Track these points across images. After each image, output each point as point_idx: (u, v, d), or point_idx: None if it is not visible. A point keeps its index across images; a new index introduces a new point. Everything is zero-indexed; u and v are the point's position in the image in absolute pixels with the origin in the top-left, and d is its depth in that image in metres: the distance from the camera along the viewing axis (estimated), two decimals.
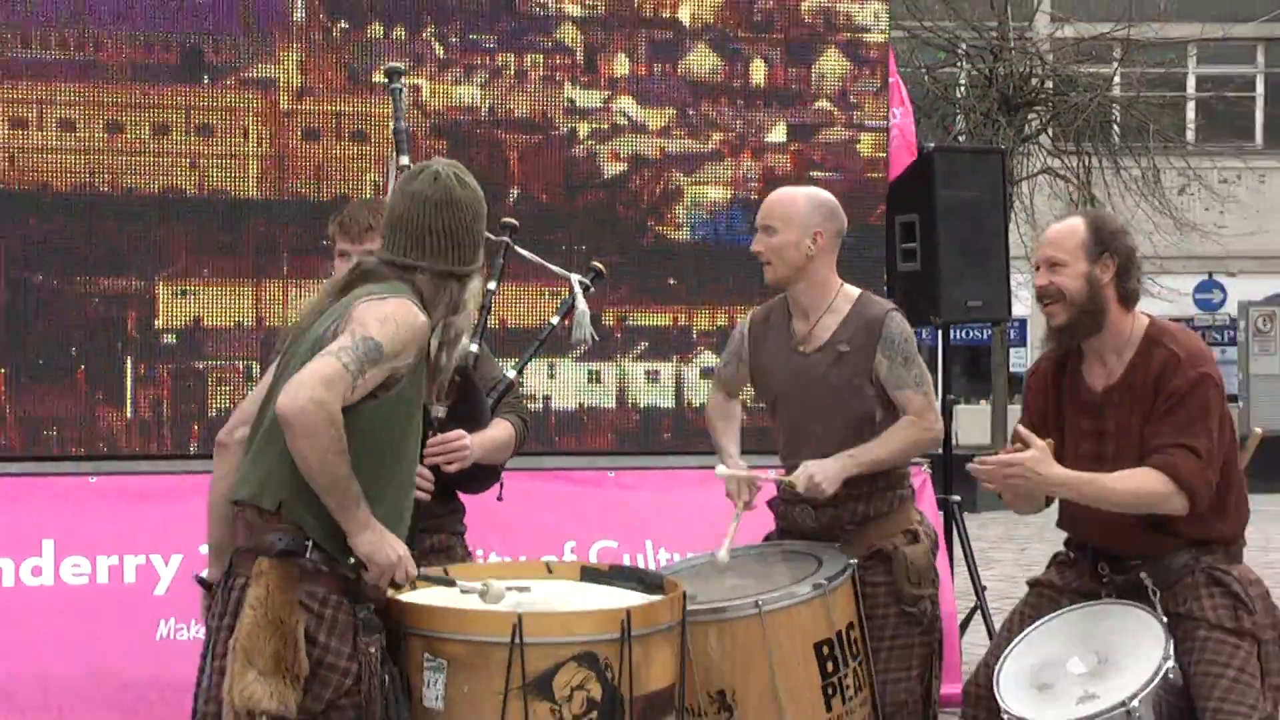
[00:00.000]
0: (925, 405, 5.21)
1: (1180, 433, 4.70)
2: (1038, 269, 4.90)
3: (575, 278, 5.37)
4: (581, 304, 5.13)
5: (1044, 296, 4.84)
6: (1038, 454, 4.66)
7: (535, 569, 4.75)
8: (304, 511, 3.92)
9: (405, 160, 5.36)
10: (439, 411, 4.90)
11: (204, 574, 4.35)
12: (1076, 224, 4.90)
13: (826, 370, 5.21)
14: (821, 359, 5.23)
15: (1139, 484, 4.68)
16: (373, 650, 3.92)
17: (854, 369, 5.18)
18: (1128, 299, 4.86)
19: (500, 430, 5.24)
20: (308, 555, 3.91)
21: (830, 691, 4.91)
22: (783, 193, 5.41)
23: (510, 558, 7.29)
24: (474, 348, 5.10)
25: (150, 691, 6.89)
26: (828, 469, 5.04)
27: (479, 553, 6.92)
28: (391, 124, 5.57)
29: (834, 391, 5.18)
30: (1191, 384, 4.73)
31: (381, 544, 3.91)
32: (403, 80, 5.62)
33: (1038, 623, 4.88)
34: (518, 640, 3.95)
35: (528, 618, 4.02)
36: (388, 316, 3.95)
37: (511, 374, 5.44)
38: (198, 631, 6.78)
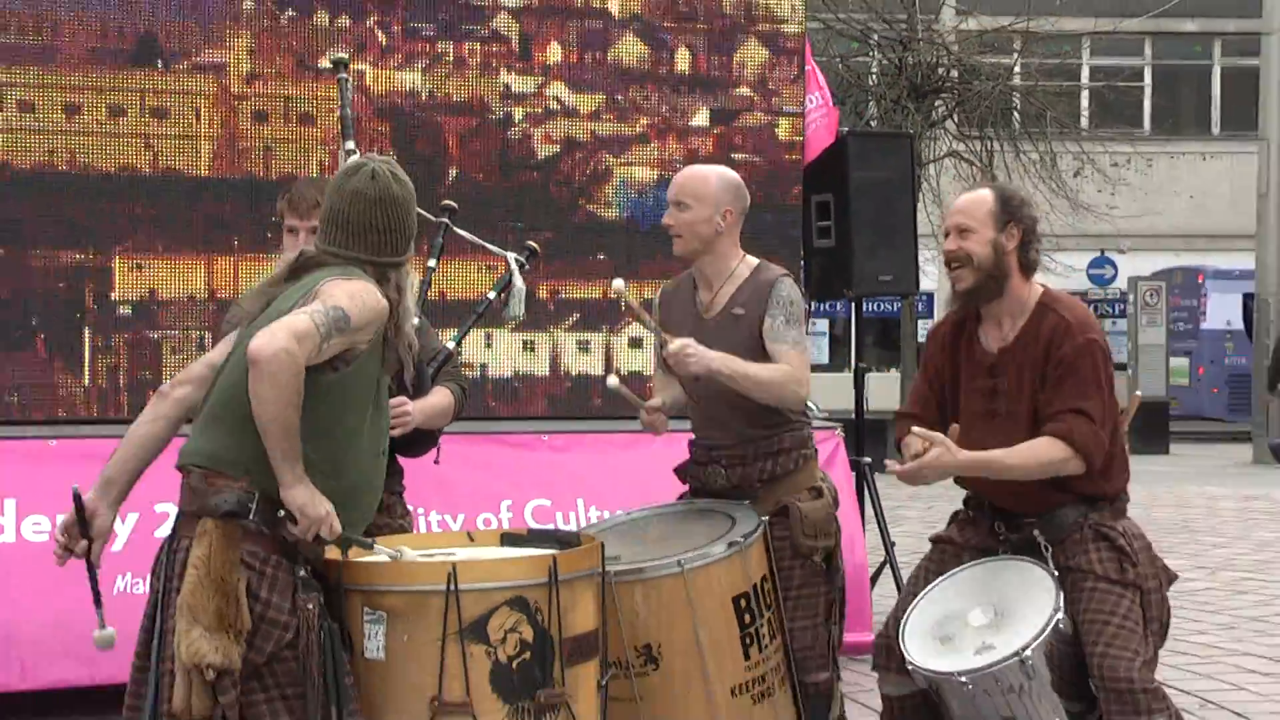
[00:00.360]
0: (800, 364, 5.18)
1: (1073, 398, 4.72)
2: (947, 235, 4.91)
3: (511, 256, 5.34)
4: (519, 281, 5.10)
5: (952, 260, 4.86)
6: (942, 450, 4.66)
7: (458, 539, 4.75)
8: (266, 478, 3.90)
9: (351, 145, 5.33)
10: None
11: (87, 495, 4.26)
12: (985, 194, 4.92)
13: (725, 332, 5.20)
14: (721, 323, 5.23)
15: (1039, 454, 4.70)
16: (310, 607, 3.91)
17: (749, 330, 5.18)
18: (1028, 267, 4.88)
19: (440, 398, 5.24)
20: (250, 517, 3.88)
21: (748, 641, 4.92)
22: (695, 171, 5.40)
23: (450, 515, 7.31)
24: (415, 320, 5.07)
25: None
26: (704, 353, 5.00)
27: (420, 511, 6.91)
28: (338, 110, 5.53)
29: (731, 351, 5.17)
30: (1079, 350, 4.76)
31: (313, 498, 3.89)
32: (347, 69, 5.58)
33: (940, 579, 4.90)
34: (453, 588, 3.95)
35: (461, 566, 4.03)
36: (355, 293, 3.95)
37: (451, 345, 5.43)
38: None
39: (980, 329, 4.96)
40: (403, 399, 4.99)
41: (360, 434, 4.08)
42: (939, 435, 4.70)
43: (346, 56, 5.81)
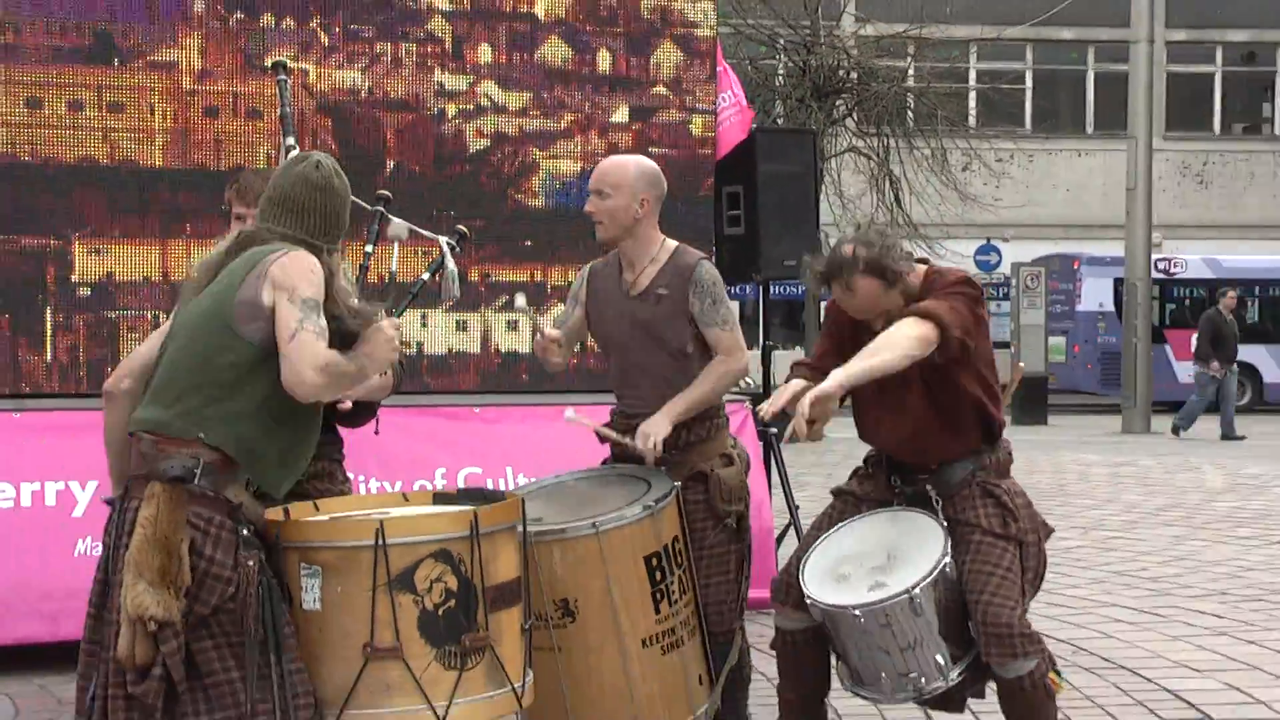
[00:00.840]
0: (733, 342, 5.19)
1: (939, 303, 4.65)
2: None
3: (443, 240, 5.29)
4: (450, 264, 5.05)
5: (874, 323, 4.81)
6: (813, 387, 4.59)
7: (394, 499, 4.73)
8: (222, 441, 3.94)
9: (291, 141, 5.28)
10: None
11: (110, 497, 4.28)
12: (869, 285, 4.74)
13: (649, 311, 5.20)
14: (645, 302, 5.22)
15: (900, 333, 4.58)
16: (251, 563, 3.91)
17: (671, 309, 5.17)
18: (909, 263, 4.82)
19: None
20: (196, 481, 3.87)
21: (659, 597, 4.92)
22: (614, 161, 5.38)
23: (389, 482, 7.28)
24: (354, 301, 5.02)
25: (69, 601, 6.75)
26: (658, 425, 5.05)
27: (360, 479, 6.88)
28: (278, 110, 5.49)
29: (656, 328, 5.18)
30: (950, 283, 4.76)
31: (376, 353, 4.08)
32: (287, 71, 5.53)
33: (840, 525, 4.92)
34: (381, 542, 3.95)
35: (388, 522, 4.03)
36: (305, 270, 3.99)
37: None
38: None
39: None
40: None
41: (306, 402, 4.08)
42: (801, 382, 4.69)
43: (286, 60, 5.75)
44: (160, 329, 4.25)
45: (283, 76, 5.44)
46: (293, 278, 3.96)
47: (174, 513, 3.85)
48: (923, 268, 4.90)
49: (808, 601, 4.71)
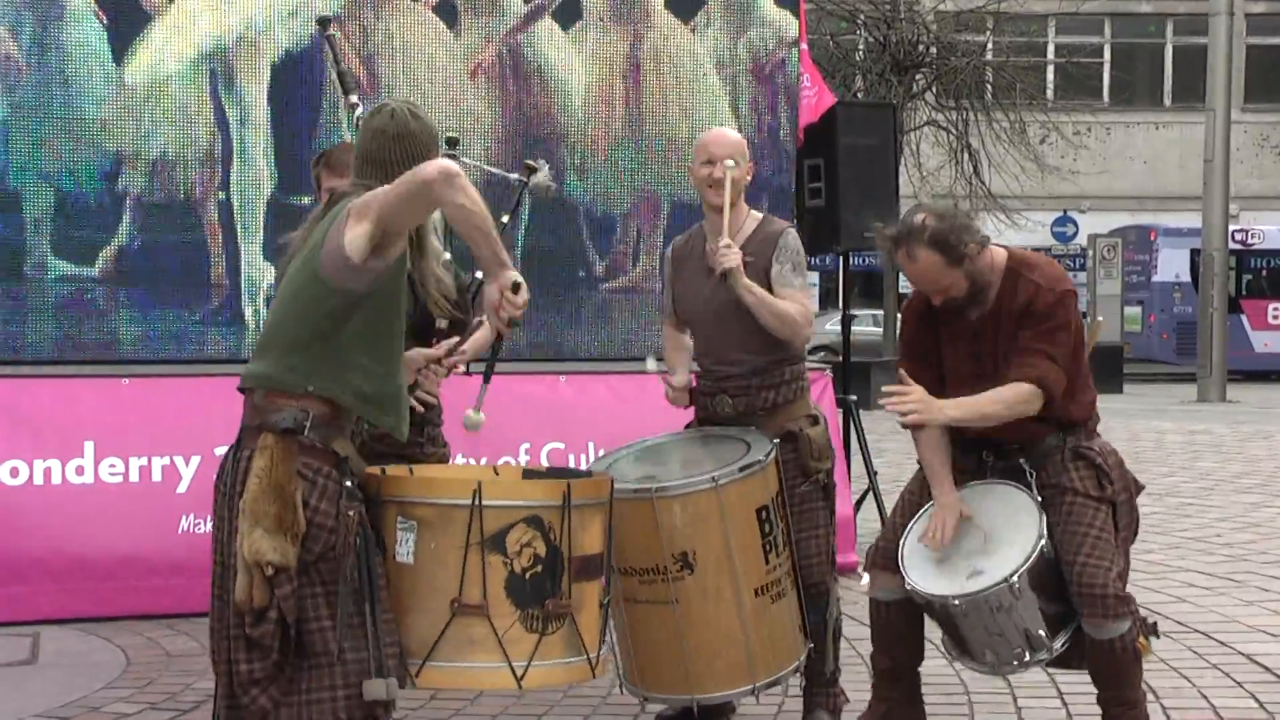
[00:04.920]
0: (801, 305, 5.18)
1: (1040, 339, 4.66)
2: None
3: (514, 176, 5.26)
4: (541, 176, 4.87)
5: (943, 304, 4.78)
6: (939, 501, 4.72)
7: (485, 472, 4.75)
8: (329, 390, 3.94)
9: (354, 99, 5.22)
10: (442, 323, 4.89)
11: None
12: (931, 258, 4.65)
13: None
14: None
15: (1008, 396, 4.64)
16: (352, 514, 3.93)
17: (756, 275, 5.14)
18: (981, 253, 4.70)
19: (485, 331, 5.18)
20: (306, 433, 3.91)
21: (768, 548, 4.94)
22: (725, 131, 5.32)
23: (473, 458, 7.20)
24: (446, 255, 5.02)
25: (173, 578, 6.85)
26: (735, 257, 5.02)
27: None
28: (334, 69, 5.38)
29: (738, 299, 5.15)
30: (1051, 304, 4.70)
31: (504, 273, 3.90)
32: (333, 27, 5.40)
33: (931, 503, 4.86)
34: (477, 503, 3.97)
35: (486, 483, 4.03)
36: (377, 191, 3.93)
37: (479, 274, 5.29)
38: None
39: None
40: (456, 339, 4.92)
41: (397, 337, 4.10)
42: (915, 388, 4.68)
43: (330, 15, 5.62)
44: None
45: (330, 33, 5.35)
46: (369, 197, 3.91)
47: (286, 463, 3.88)
48: (1002, 253, 4.78)
49: (909, 589, 4.69)
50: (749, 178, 5.25)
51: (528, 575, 4.01)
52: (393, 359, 4.07)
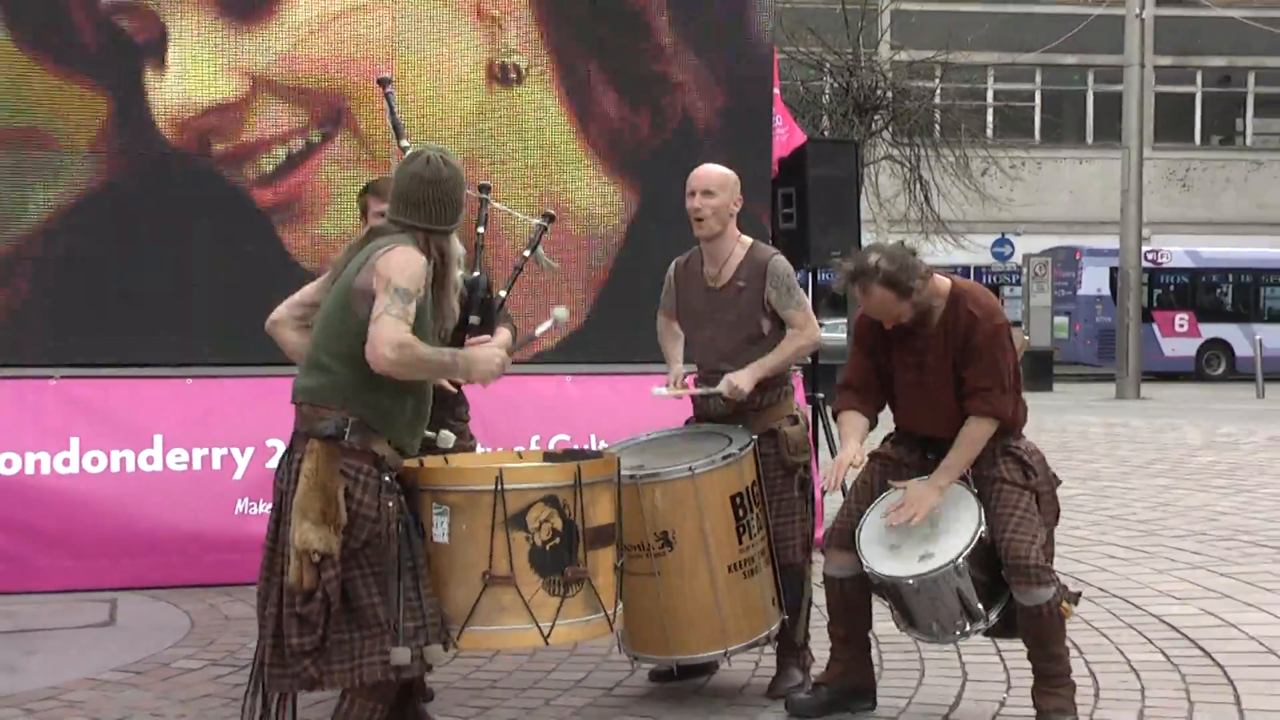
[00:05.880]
0: (805, 319, 5.14)
1: (987, 376, 4.67)
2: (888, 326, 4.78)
3: (536, 220, 5.24)
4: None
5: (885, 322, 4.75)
6: (910, 498, 4.68)
7: (510, 456, 4.75)
8: (361, 407, 3.97)
9: (405, 143, 5.23)
10: (475, 320, 4.88)
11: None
12: (884, 294, 4.64)
13: (730, 300, 5.15)
14: (726, 294, 5.17)
15: (975, 437, 4.68)
16: (391, 505, 3.95)
17: (749, 299, 5.12)
18: (927, 282, 4.68)
19: (507, 333, 5.14)
20: (346, 438, 3.92)
21: (741, 530, 4.92)
22: (712, 166, 5.24)
23: (490, 447, 7.16)
24: (477, 273, 4.99)
25: (230, 553, 6.79)
26: (743, 377, 5.01)
27: None
28: (389, 118, 5.41)
29: (736, 315, 5.13)
30: (989, 336, 4.69)
31: (473, 366, 4.06)
32: (391, 86, 5.46)
33: (884, 495, 4.83)
34: (500, 488, 3.97)
35: (507, 471, 4.05)
36: (403, 264, 3.95)
37: (503, 293, 5.28)
38: (265, 507, 6.78)
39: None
40: (487, 336, 4.86)
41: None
42: (906, 487, 4.72)
43: (390, 76, 5.67)
44: (314, 282, 4.24)
45: (389, 90, 5.40)
46: (391, 269, 3.92)
47: (329, 464, 3.89)
48: (947, 281, 4.77)
49: (867, 571, 4.66)
50: (736, 207, 5.19)
51: (548, 547, 4.02)
52: (417, 384, 4.06)
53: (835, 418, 4.92)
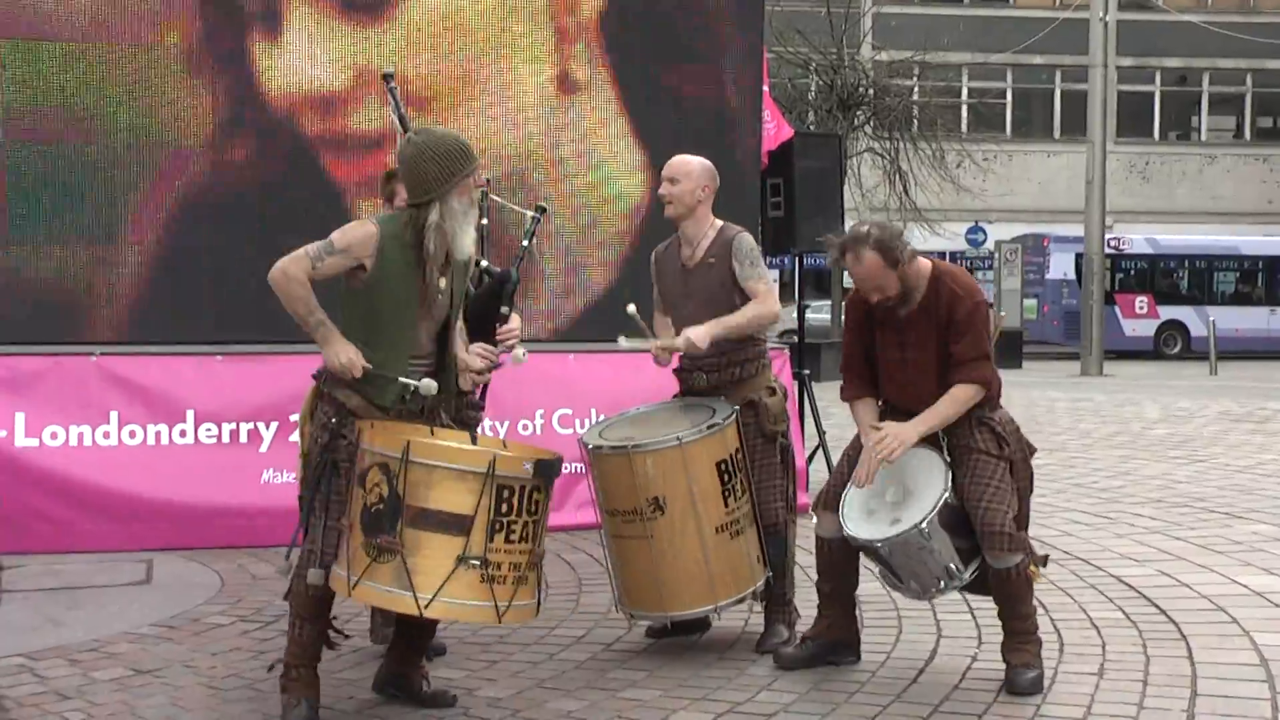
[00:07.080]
0: (766, 291, 5.10)
1: (973, 348, 4.65)
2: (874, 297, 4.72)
3: (529, 213, 5.22)
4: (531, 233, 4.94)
5: (880, 303, 4.70)
6: (888, 430, 4.62)
7: (495, 443, 4.49)
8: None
9: (412, 135, 5.18)
10: (506, 310, 4.89)
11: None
12: (873, 259, 4.58)
13: (702, 278, 5.14)
14: (699, 270, 5.16)
15: (960, 398, 4.64)
16: (319, 441, 4.16)
17: (719, 275, 5.11)
18: (911, 261, 4.65)
19: (517, 320, 5.14)
20: (323, 382, 4.22)
21: (726, 494, 4.92)
22: (682, 157, 5.25)
23: (499, 421, 7.13)
24: (484, 262, 4.97)
25: (258, 519, 6.86)
26: (699, 332, 4.98)
27: None
28: (394, 114, 5.35)
29: (706, 291, 5.12)
30: (970, 312, 4.67)
31: (327, 344, 4.13)
32: (394, 81, 5.40)
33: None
34: (359, 446, 4.02)
35: (365, 432, 4.03)
36: (346, 229, 4.18)
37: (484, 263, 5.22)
38: (290, 477, 6.87)
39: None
40: (515, 329, 4.93)
41: (387, 328, 4.16)
42: (880, 426, 4.66)
43: (391, 71, 5.60)
44: (319, 242, 4.17)
45: (393, 85, 5.35)
46: (336, 231, 4.16)
47: (310, 401, 4.29)
48: (928, 264, 4.75)
49: (846, 535, 4.66)
50: (705, 193, 5.16)
51: (373, 510, 3.92)
52: (384, 345, 4.16)
53: (850, 407, 4.87)
